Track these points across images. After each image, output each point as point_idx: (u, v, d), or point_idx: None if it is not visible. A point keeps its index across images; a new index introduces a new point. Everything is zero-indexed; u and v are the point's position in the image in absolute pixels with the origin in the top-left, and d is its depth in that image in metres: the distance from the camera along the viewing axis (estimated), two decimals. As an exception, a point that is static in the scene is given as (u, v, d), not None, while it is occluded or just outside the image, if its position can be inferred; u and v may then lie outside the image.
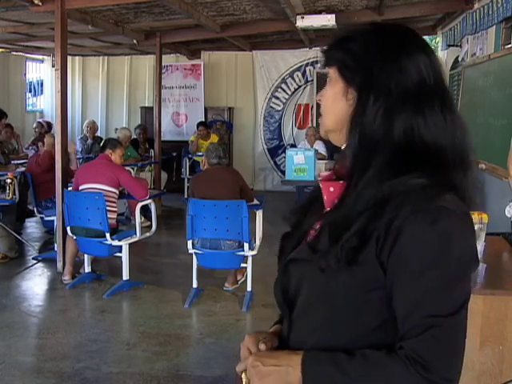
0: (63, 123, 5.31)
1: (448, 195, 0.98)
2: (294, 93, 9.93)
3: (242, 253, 4.40)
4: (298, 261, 1.11)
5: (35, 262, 5.63)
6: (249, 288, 4.55)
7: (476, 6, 5.89)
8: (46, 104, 10.94)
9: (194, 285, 4.65)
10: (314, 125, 9.23)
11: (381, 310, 1.00)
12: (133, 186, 5.02)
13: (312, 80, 9.74)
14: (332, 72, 1.10)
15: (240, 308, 4.40)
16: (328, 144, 8.10)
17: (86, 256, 5.02)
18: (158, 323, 4.11)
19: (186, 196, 7.91)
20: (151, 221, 5.24)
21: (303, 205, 1.23)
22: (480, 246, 2.29)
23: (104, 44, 9.12)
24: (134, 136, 8.47)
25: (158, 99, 8.26)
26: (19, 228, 6.64)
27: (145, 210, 5.68)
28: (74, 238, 4.84)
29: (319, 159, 6.49)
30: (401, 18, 6.68)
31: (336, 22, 6.46)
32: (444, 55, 7.50)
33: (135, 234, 4.91)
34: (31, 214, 6.77)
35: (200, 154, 8.04)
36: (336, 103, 1.09)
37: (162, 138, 8.60)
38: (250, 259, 4.46)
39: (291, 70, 9.87)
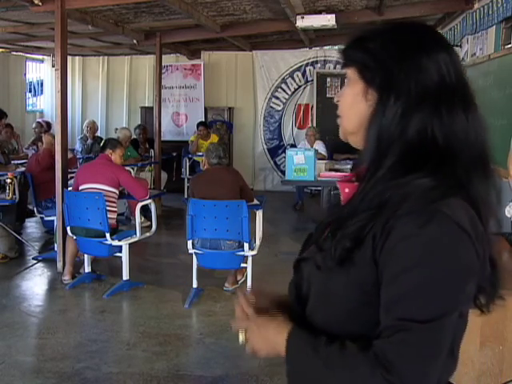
0: (63, 123, 5.31)
1: (453, 199, 0.96)
2: (293, 93, 9.92)
3: (241, 253, 4.40)
4: (307, 260, 1.11)
5: (35, 262, 5.63)
6: (249, 288, 4.55)
7: (476, 6, 5.89)
8: (45, 104, 10.93)
9: (194, 285, 4.64)
10: (314, 125, 9.24)
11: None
12: (133, 186, 5.02)
13: (312, 80, 9.74)
14: (351, 73, 1.08)
15: (240, 308, 4.39)
16: (328, 144, 8.13)
17: (85, 256, 5.02)
18: (157, 323, 4.11)
19: (185, 196, 7.90)
20: (151, 221, 5.24)
21: (334, 205, 1.24)
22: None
23: (104, 44, 9.11)
24: (133, 136, 8.47)
25: (157, 99, 8.26)
26: (19, 228, 6.64)
27: (145, 210, 5.68)
28: (74, 237, 4.84)
29: (319, 159, 6.49)
30: (401, 18, 6.67)
31: (336, 21, 6.46)
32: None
33: (135, 234, 4.91)
34: (31, 214, 6.78)
35: (200, 153, 8.04)
36: (356, 104, 1.07)
37: (162, 138, 8.60)
38: (249, 259, 4.47)
39: (291, 70, 9.86)
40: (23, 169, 6.50)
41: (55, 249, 5.42)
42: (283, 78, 9.91)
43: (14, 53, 9.95)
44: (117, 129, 8.79)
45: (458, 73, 1.04)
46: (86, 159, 7.70)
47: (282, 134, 10.04)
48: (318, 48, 9.78)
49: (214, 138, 8.70)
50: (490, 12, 5.34)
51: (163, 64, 8.69)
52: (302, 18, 6.48)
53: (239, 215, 4.24)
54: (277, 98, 9.98)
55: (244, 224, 4.24)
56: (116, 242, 4.70)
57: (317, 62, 9.78)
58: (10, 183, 5.59)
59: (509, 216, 3.11)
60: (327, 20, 6.48)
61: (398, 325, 0.92)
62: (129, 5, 6.04)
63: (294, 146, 9.16)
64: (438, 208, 0.93)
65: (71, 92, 9.87)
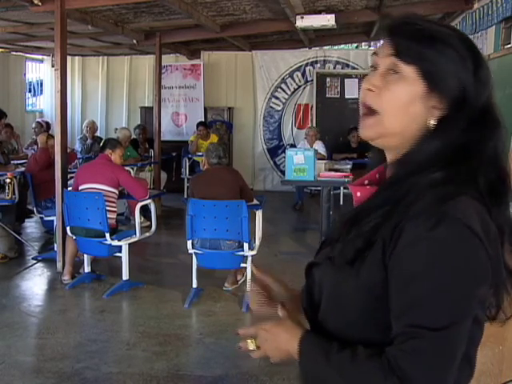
0: (63, 123, 5.32)
1: (464, 197, 0.94)
2: (293, 93, 9.92)
3: (241, 253, 4.40)
4: (319, 265, 1.10)
5: (35, 262, 5.62)
6: (249, 288, 4.53)
7: (476, 5, 5.90)
8: (45, 104, 10.94)
9: (194, 285, 4.64)
10: (314, 125, 9.24)
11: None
12: (132, 185, 5.02)
13: (312, 80, 9.74)
14: (409, 70, 0.99)
15: (240, 308, 4.39)
16: (327, 144, 8.13)
17: (85, 256, 5.02)
18: (157, 323, 4.11)
19: (185, 196, 7.90)
20: (151, 221, 5.24)
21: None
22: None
23: (104, 44, 9.11)
24: (133, 136, 8.47)
25: (157, 99, 8.27)
26: (19, 228, 6.64)
27: (144, 210, 5.68)
28: (74, 237, 4.84)
29: (319, 159, 6.48)
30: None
31: (336, 22, 6.47)
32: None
33: (135, 234, 4.90)
34: (30, 214, 6.77)
35: (200, 153, 8.04)
36: (411, 105, 1.00)
37: (162, 138, 8.60)
38: (249, 259, 4.46)
39: (291, 70, 9.86)
40: (23, 169, 6.50)
41: (55, 249, 5.42)
42: (283, 78, 9.91)
43: (14, 53, 9.95)
44: (116, 129, 8.79)
45: (491, 87, 1.04)
46: (85, 159, 7.70)
47: (282, 134, 10.04)
48: (317, 48, 9.79)
49: (214, 138, 8.70)
50: (490, 12, 5.34)
51: (163, 64, 8.69)
52: (302, 18, 6.48)
53: (239, 215, 4.24)
54: (276, 98, 9.98)
55: (244, 224, 4.24)
56: (116, 242, 4.70)
57: (316, 61, 9.78)
58: (10, 183, 5.60)
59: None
60: (327, 20, 6.48)
61: (410, 332, 0.90)
62: (129, 5, 6.05)
63: (293, 145, 9.16)
64: (448, 210, 0.91)
65: (71, 92, 9.87)
